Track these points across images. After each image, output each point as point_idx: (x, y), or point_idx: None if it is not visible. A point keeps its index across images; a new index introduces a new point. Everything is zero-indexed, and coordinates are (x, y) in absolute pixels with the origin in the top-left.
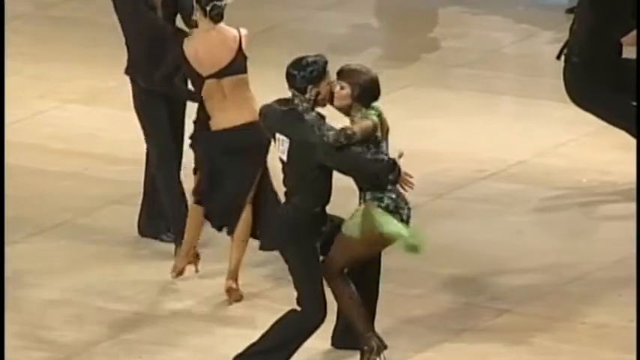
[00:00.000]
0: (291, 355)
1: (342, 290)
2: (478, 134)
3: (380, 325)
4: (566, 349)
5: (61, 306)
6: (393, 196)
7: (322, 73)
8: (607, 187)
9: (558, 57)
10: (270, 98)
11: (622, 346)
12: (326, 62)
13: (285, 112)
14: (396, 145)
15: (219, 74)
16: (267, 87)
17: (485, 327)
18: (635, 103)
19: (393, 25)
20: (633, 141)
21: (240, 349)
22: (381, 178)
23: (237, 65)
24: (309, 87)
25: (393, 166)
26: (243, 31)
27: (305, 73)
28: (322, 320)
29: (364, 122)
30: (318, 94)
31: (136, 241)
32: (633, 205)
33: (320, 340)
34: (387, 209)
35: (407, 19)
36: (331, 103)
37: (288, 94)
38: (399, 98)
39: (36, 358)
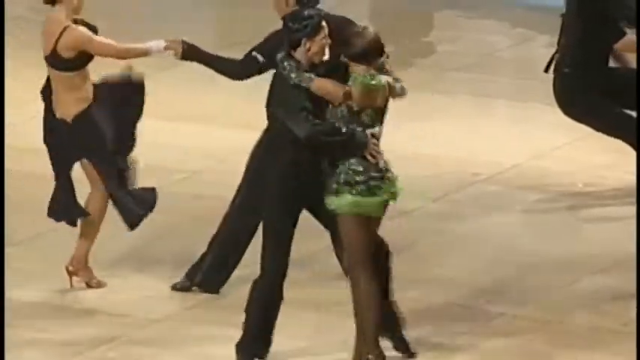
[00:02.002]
0: (270, 326)
1: (360, 285)
2: (474, 138)
3: None
4: (561, 353)
5: (57, 309)
6: (352, 169)
7: (317, 27)
8: (602, 190)
9: (546, 70)
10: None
11: (616, 349)
12: (322, 17)
13: None
14: (395, 149)
15: (46, 61)
16: (262, 90)
17: (480, 330)
18: (628, 111)
19: (388, 28)
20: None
21: None
22: (303, 139)
23: (54, 60)
24: (304, 40)
25: (334, 130)
26: (76, 29)
27: (299, 26)
28: (280, 278)
29: (330, 83)
30: (309, 48)
31: (130, 245)
32: (628, 208)
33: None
34: (341, 183)
35: (402, 23)
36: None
37: None
38: (394, 102)
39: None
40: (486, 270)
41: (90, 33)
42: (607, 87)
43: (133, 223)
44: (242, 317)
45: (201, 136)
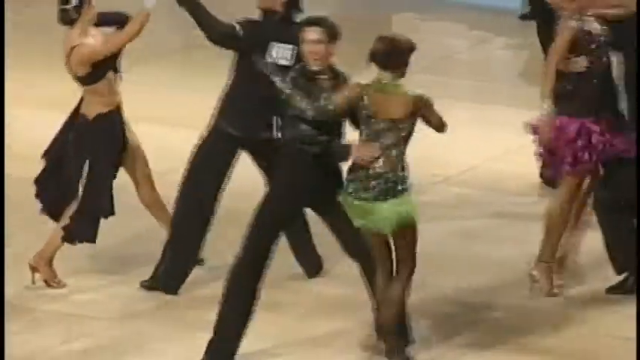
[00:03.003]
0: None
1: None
2: (432, 139)
3: (353, 333)
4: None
5: (25, 309)
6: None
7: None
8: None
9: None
10: None
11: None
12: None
13: None
14: None
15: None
16: None
17: (446, 334)
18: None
19: (348, 32)
20: None
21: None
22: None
23: (73, 76)
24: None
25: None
26: (83, 45)
27: None
28: (247, 266)
29: None
30: None
31: (97, 245)
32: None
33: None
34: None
35: (361, 25)
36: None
37: None
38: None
39: None
40: (443, 271)
41: (94, 43)
42: None
43: (72, 237)
44: (210, 316)
45: (165, 137)
